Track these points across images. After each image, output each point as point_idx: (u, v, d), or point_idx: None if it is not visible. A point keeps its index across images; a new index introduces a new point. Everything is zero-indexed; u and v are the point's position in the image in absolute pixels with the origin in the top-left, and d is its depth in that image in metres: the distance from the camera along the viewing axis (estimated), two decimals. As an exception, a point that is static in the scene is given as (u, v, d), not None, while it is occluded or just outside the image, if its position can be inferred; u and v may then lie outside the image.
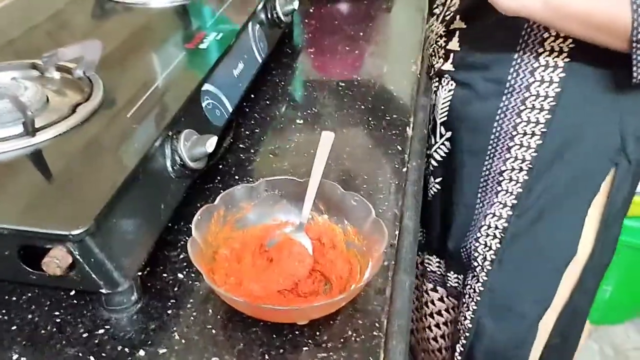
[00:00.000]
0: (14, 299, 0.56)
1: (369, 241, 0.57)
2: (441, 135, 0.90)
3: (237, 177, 0.73)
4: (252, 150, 0.79)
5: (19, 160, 0.55)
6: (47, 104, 0.64)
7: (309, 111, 0.89)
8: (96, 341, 0.52)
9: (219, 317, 0.55)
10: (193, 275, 0.59)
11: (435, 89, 0.91)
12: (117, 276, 0.50)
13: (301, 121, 0.86)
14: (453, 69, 0.86)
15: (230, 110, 0.74)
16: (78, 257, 0.48)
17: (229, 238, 0.59)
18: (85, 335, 0.53)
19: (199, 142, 0.61)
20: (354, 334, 0.53)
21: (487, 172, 0.85)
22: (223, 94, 0.73)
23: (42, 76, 0.69)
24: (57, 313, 0.55)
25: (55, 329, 0.53)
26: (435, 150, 0.92)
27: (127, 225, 0.52)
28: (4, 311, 0.55)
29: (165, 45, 0.77)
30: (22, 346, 0.52)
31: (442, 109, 0.88)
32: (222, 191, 0.70)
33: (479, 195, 0.87)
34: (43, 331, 0.53)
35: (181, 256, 0.61)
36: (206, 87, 0.70)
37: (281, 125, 0.86)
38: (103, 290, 0.51)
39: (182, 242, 0.63)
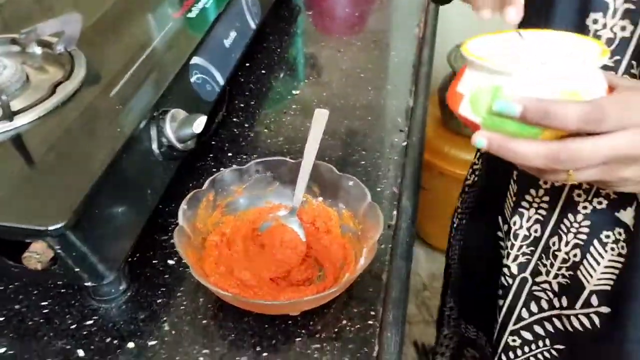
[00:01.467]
0: (1, 288, 0.55)
1: (365, 226, 0.54)
2: (588, 304, 0.60)
3: (230, 154, 0.71)
4: (246, 125, 0.76)
5: (-4, 147, 0.52)
6: (27, 83, 0.60)
7: (306, 80, 0.86)
8: (84, 332, 0.51)
9: (209, 306, 0.53)
10: (183, 261, 0.57)
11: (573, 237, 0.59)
12: (102, 269, 0.48)
13: (298, 91, 0.83)
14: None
15: (222, 84, 0.71)
16: (59, 251, 0.46)
17: (219, 223, 0.57)
18: (73, 326, 0.52)
19: (187, 122, 0.58)
20: (349, 323, 0.51)
21: None
22: (214, 67, 0.70)
23: (23, 52, 0.66)
24: (44, 303, 0.54)
25: (42, 320, 0.52)
26: (568, 317, 0.63)
27: (111, 215, 0.50)
28: (-10, 302, 0.54)
29: (152, 14, 0.73)
30: (9, 338, 0.51)
31: (602, 274, 0.59)
32: (214, 170, 0.68)
33: None
34: (30, 322, 0.52)
35: (171, 241, 0.59)
36: (195, 60, 0.66)
37: (277, 96, 0.82)
38: (88, 284, 0.49)
39: (173, 226, 0.60)
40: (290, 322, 0.52)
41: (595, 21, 0.51)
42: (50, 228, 0.44)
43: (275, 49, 0.92)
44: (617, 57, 0.51)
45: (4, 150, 0.52)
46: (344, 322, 0.52)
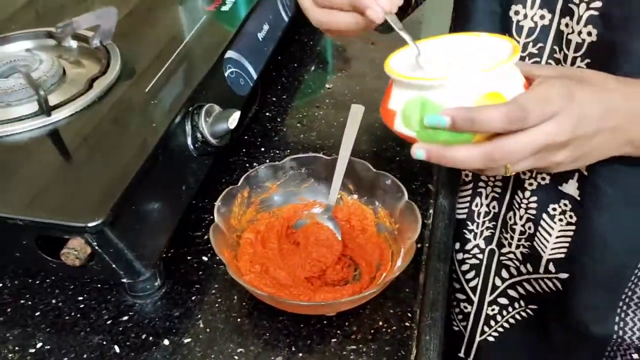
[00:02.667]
0: (38, 282, 0.55)
1: (402, 225, 0.53)
2: (547, 271, 0.63)
3: (262, 149, 0.70)
4: (278, 119, 0.75)
5: (33, 142, 0.52)
6: (63, 77, 0.61)
7: (338, 73, 0.84)
8: (120, 328, 0.51)
9: (244, 304, 0.53)
10: (217, 258, 0.56)
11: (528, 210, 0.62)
12: (139, 265, 0.48)
13: (331, 85, 0.81)
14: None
15: (255, 77, 0.70)
16: (97, 247, 0.46)
17: (253, 220, 0.56)
18: (109, 322, 0.52)
19: (221, 117, 0.58)
20: (385, 325, 0.51)
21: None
22: (247, 61, 0.69)
23: (58, 45, 0.66)
24: (80, 298, 0.54)
25: (79, 315, 0.52)
26: (536, 280, 0.66)
27: (147, 212, 0.50)
28: (27, 295, 0.54)
29: (185, 8, 0.73)
30: (46, 333, 0.51)
31: (554, 243, 0.61)
32: (247, 165, 0.68)
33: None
34: (67, 317, 0.52)
35: (205, 237, 0.59)
36: (229, 54, 0.65)
37: (310, 90, 0.81)
38: (124, 280, 0.49)
39: (206, 222, 0.60)
40: (325, 322, 0.51)
41: (517, 12, 0.54)
42: (89, 225, 0.44)
43: (307, 41, 0.90)
44: (541, 45, 0.54)
45: (41, 146, 0.52)
46: (380, 323, 0.51)
